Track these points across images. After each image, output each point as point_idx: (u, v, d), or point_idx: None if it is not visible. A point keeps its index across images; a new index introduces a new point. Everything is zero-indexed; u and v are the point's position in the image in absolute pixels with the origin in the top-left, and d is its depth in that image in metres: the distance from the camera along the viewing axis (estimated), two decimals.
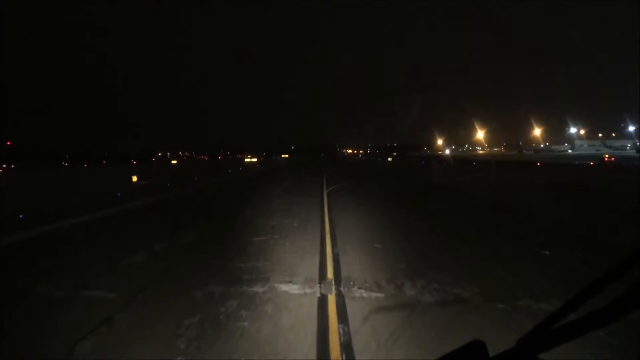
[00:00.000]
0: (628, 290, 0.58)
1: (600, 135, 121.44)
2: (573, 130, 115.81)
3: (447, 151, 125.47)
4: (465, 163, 50.73)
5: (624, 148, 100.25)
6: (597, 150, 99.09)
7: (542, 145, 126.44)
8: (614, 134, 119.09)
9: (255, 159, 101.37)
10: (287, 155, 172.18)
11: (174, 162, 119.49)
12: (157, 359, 3.49)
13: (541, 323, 0.67)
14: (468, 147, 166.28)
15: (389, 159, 79.48)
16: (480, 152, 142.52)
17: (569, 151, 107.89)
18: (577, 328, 0.62)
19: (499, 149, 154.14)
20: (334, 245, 7.40)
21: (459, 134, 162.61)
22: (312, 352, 3.52)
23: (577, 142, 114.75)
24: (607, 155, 42.37)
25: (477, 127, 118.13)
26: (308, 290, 5.07)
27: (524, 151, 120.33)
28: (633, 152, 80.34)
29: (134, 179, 30.50)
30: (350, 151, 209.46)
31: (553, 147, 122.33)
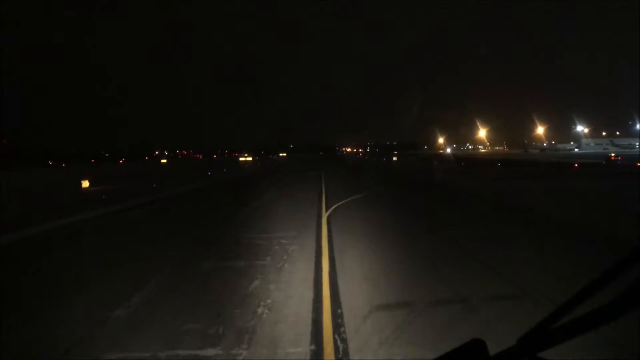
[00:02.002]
0: (628, 289, 0.57)
1: (604, 133, 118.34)
2: (579, 128, 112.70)
3: (449, 150, 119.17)
4: (487, 164, 43.23)
5: (632, 147, 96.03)
6: (604, 149, 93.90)
7: (544, 144, 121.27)
8: (618, 132, 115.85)
9: (250, 158, 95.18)
10: (285, 154, 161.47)
11: (164, 161, 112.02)
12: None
13: (541, 322, 0.67)
14: (468, 146, 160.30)
15: (395, 159, 72.82)
16: (482, 150, 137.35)
17: (576, 150, 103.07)
18: (577, 327, 0.61)
19: (501, 147, 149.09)
20: None
21: (460, 132, 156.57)
22: None
23: (584, 141, 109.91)
24: (613, 154, 40.66)
25: (478, 125, 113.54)
26: None
27: (529, 150, 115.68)
28: None
29: (85, 184, 24.55)
30: (349, 150, 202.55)
31: (559, 145, 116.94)
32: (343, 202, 13.75)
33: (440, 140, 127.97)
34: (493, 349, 0.71)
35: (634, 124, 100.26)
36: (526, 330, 0.68)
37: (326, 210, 11.84)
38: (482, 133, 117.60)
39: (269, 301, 4.83)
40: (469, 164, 45.24)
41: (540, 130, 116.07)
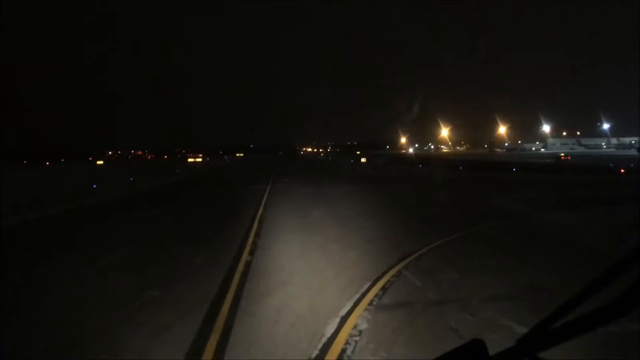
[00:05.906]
0: (628, 289, 0.57)
1: (564, 133, 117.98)
2: (545, 128, 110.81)
3: (411, 150, 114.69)
4: (493, 169, 31.81)
5: (599, 147, 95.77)
6: (571, 148, 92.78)
7: (506, 144, 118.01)
8: (579, 132, 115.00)
9: (200, 159, 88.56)
10: (242, 154, 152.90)
11: (100, 162, 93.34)
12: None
13: (541, 322, 0.67)
14: (430, 146, 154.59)
15: (363, 160, 59.35)
16: (445, 150, 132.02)
17: (542, 150, 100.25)
18: (577, 327, 0.61)
19: (463, 147, 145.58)
20: None
21: (421, 131, 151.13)
22: None
23: (550, 141, 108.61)
24: (562, 154, 41.70)
25: (441, 124, 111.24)
26: None
27: (495, 150, 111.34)
28: (612, 150, 77.88)
29: None
30: (310, 149, 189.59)
31: (525, 145, 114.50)
32: None
33: (403, 140, 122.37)
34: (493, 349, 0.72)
35: (601, 124, 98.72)
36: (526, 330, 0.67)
37: None
38: (444, 132, 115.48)
39: None
40: (467, 167, 33.28)
41: (502, 129, 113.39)
